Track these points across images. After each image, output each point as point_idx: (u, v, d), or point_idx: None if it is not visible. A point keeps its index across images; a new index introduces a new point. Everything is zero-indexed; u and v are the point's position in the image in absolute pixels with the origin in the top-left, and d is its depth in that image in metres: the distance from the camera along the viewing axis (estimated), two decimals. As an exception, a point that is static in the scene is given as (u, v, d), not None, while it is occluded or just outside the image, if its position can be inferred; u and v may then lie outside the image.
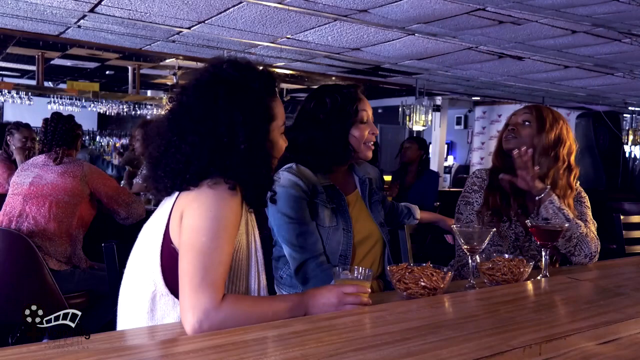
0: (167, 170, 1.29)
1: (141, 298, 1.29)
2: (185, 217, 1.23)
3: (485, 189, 2.04)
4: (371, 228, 1.90)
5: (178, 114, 1.31)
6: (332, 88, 1.89)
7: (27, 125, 3.99)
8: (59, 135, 2.85)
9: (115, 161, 5.68)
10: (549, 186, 1.92)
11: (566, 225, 1.80)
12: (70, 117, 2.97)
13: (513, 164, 1.99)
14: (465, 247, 1.64)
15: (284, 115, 1.41)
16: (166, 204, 1.32)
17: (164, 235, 1.28)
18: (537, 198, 1.92)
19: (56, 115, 2.95)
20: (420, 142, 5.07)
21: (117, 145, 8.59)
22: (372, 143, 1.86)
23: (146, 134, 1.45)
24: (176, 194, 1.30)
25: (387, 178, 5.06)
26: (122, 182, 4.34)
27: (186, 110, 1.30)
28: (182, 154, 1.27)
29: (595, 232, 2.00)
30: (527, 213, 1.97)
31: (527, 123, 2.02)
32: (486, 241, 1.63)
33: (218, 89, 1.29)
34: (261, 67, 1.38)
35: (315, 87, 7.78)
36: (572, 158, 2.03)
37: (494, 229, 1.67)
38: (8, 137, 3.88)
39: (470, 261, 1.64)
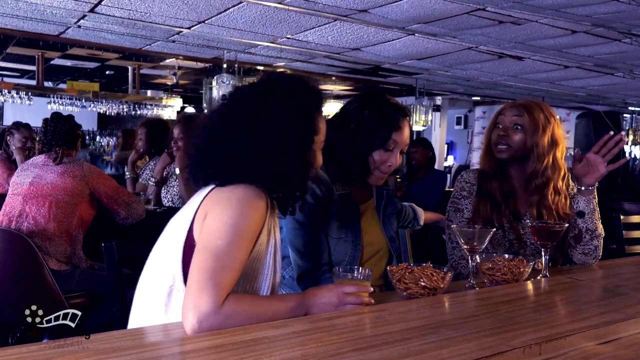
0: (215, 161, 1.32)
1: (158, 291, 1.30)
2: (207, 218, 1.25)
3: (475, 195, 1.97)
4: (380, 241, 1.87)
5: (232, 109, 1.36)
6: (378, 102, 1.76)
7: (27, 125, 3.99)
8: (59, 135, 2.85)
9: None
10: (597, 184, 1.89)
11: (565, 225, 1.79)
12: (70, 117, 2.97)
13: (504, 167, 1.96)
14: (465, 247, 1.63)
15: (325, 133, 1.45)
16: (194, 201, 1.35)
17: (188, 231, 1.29)
18: (584, 188, 1.86)
19: (56, 115, 2.95)
20: (424, 143, 5.04)
21: (115, 145, 8.58)
22: (388, 174, 1.78)
23: (192, 127, 1.50)
24: (205, 192, 1.33)
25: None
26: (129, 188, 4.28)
27: (241, 107, 1.35)
28: (230, 148, 1.31)
29: None
30: (519, 218, 1.94)
31: (518, 127, 1.91)
32: (486, 241, 1.63)
33: (274, 93, 1.35)
34: (312, 83, 1.44)
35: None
36: (562, 159, 1.96)
37: (494, 229, 1.66)
38: (8, 137, 3.88)
39: (470, 261, 1.64)
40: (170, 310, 1.28)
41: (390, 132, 1.73)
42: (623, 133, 1.88)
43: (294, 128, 1.33)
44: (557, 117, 2.00)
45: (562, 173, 1.95)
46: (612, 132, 1.86)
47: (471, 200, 1.98)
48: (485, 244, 1.63)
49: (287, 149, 1.32)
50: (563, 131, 2.00)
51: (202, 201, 1.31)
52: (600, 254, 1.94)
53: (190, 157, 1.40)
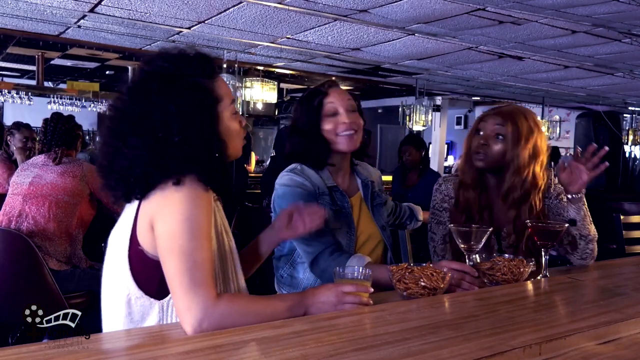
0: (118, 177, 1.27)
1: (117, 302, 1.28)
2: (157, 224, 1.21)
3: (453, 207, 1.93)
4: (373, 230, 1.90)
5: (116, 120, 1.29)
6: (306, 92, 1.89)
7: (27, 126, 4.00)
8: (58, 136, 2.85)
9: None
10: (584, 190, 1.85)
11: (565, 225, 1.79)
12: (70, 118, 2.97)
13: (484, 180, 1.92)
14: (463, 246, 1.64)
15: (230, 95, 1.36)
16: (129, 209, 1.31)
17: (131, 239, 1.26)
18: (570, 196, 1.85)
19: (56, 115, 2.95)
20: (417, 143, 4.85)
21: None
22: (350, 132, 1.80)
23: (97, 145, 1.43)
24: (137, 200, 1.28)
25: (388, 178, 5.02)
26: None
27: (123, 115, 1.28)
28: (126, 159, 1.25)
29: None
30: (497, 232, 1.90)
31: (500, 137, 1.85)
32: (483, 240, 1.63)
33: (151, 86, 1.26)
34: (194, 52, 1.34)
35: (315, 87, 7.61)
36: (542, 172, 1.90)
37: (491, 228, 1.67)
38: (9, 137, 3.88)
39: (467, 261, 1.64)
40: (136, 317, 1.27)
41: (320, 99, 1.82)
42: (606, 148, 1.86)
43: (177, 115, 1.23)
44: (542, 126, 1.93)
45: (540, 187, 1.90)
46: (594, 144, 1.84)
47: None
48: (483, 243, 1.64)
49: (173, 139, 1.22)
50: (546, 141, 1.92)
51: (138, 206, 1.26)
52: (596, 254, 1.92)
53: (100, 177, 1.34)
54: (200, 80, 1.29)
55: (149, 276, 1.24)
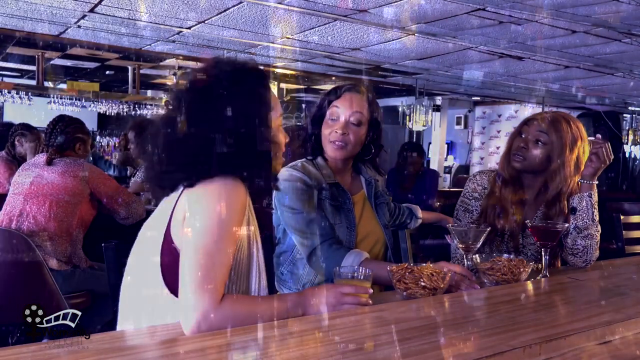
0: (178, 164, 1.29)
1: (141, 297, 1.29)
2: (189, 217, 1.23)
3: (485, 198, 1.97)
4: (375, 228, 1.91)
5: (185, 111, 1.32)
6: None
7: (35, 128, 3.99)
8: (54, 137, 2.86)
9: (115, 161, 5.68)
10: (597, 182, 1.87)
11: (566, 225, 1.79)
12: (70, 120, 2.96)
13: (520, 177, 1.96)
14: (461, 246, 1.64)
15: (280, 109, 1.43)
16: (167, 203, 1.32)
17: (165, 235, 1.27)
18: (580, 181, 1.87)
19: (57, 117, 2.96)
20: (420, 151, 5.01)
21: (117, 145, 8.57)
22: (339, 144, 1.80)
23: (146, 135, 1.44)
24: (177, 193, 1.30)
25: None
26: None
27: (192, 107, 1.31)
28: (192, 147, 1.28)
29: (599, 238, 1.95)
30: (523, 228, 1.93)
31: (539, 142, 1.89)
32: (481, 240, 1.64)
33: (219, 84, 1.31)
34: (251, 64, 1.41)
35: (315, 87, 7.72)
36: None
37: (489, 228, 1.67)
38: (17, 138, 3.87)
39: (465, 260, 1.64)
40: (157, 314, 1.27)
41: (328, 101, 1.84)
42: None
43: (245, 114, 1.30)
44: (585, 135, 1.93)
45: (573, 193, 1.93)
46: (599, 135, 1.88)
47: (481, 202, 1.98)
48: (481, 243, 1.64)
49: (244, 135, 1.29)
50: (588, 149, 1.91)
51: (176, 202, 1.28)
52: (592, 258, 1.89)
53: (150, 168, 1.37)
54: (259, 88, 1.36)
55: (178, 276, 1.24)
